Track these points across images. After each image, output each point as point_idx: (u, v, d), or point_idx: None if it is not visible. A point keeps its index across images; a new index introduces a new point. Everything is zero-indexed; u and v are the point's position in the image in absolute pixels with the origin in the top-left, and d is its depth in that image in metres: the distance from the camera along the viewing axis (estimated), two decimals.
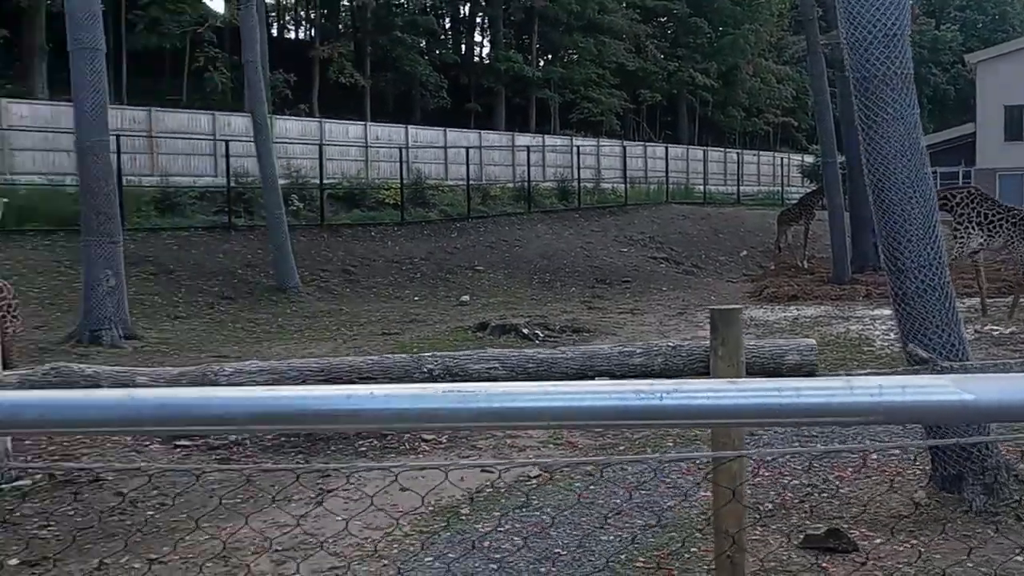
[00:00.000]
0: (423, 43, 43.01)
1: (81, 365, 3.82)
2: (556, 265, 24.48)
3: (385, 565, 5.17)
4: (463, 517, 5.98)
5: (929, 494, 5.89)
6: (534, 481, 6.73)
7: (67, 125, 22.06)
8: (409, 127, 34.40)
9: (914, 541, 5.25)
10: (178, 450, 7.86)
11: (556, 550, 5.32)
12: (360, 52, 39.96)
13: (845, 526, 5.43)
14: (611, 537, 5.52)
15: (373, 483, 6.52)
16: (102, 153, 14.54)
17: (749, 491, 5.22)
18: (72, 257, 17.74)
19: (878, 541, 5.26)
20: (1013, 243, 14.94)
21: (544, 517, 5.89)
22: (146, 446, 7.92)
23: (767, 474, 6.69)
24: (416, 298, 20.68)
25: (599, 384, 1.39)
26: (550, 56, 49.33)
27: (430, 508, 6.10)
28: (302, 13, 50.44)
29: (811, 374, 3.92)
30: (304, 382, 3.46)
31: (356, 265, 22.32)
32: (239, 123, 27.73)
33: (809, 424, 5.95)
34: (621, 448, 7.72)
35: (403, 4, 42.50)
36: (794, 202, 28.79)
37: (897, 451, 6.96)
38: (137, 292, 17.18)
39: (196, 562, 5.23)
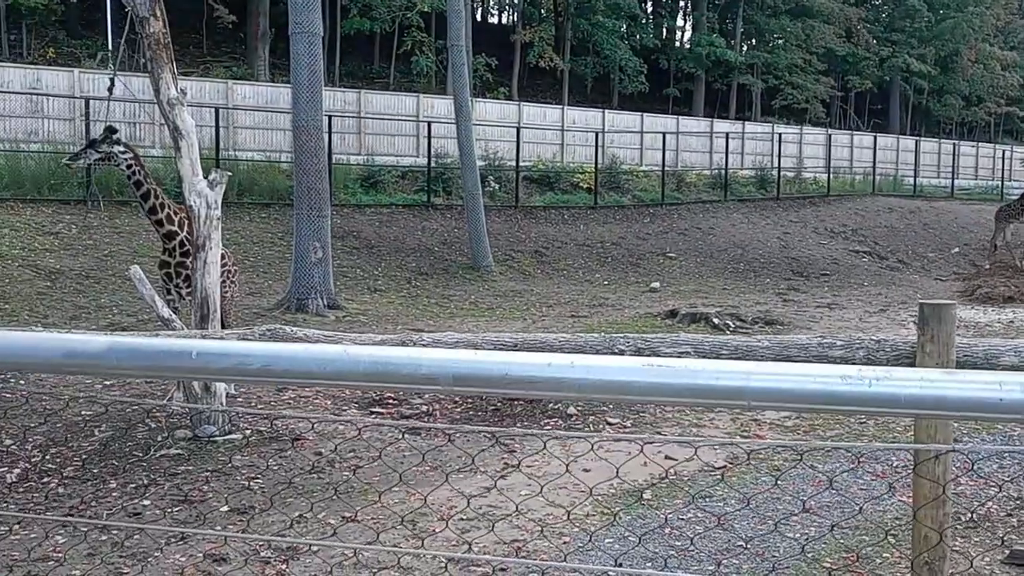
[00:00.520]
0: (624, 27, 42.74)
1: (293, 328, 4.06)
2: (750, 255, 23.87)
3: (566, 542, 5.24)
4: (645, 501, 5.96)
5: None
6: (719, 472, 6.61)
7: (284, 105, 23.41)
8: (606, 111, 34.34)
9: None
10: (373, 416, 8.22)
11: (738, 543, 5.22)
12: (560, 36, 40.20)
13: None
14: (797, 534, 5.36)
15: (556, 462, 6.60)
16: (316, 132, 15.31)
17: (952, 499, 4.93)
18: (284, 229, 18.84)
19: None
20: None
21: (728, 508, 5.79)
22: (344, 410, 8.34)
23: (970, 483, 6.30)
24: (606, 282, 20.69)
25: (804, 367, 1.36)
26: (754, 41, 47.97)
27: (613, 490, 6.12)
28: None
29: None
30: None
31: (548, 247, 22.55)
32: (441, 105, 28.53)
33: None
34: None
35: None
36: (1015, 197, 26.79)
37: None
38: (340, 264, 18.05)
39: (385, 524, 5.47)
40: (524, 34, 38.39)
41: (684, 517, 5.66)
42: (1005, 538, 5.24)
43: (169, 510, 5.72)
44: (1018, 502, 5.91)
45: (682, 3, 49.62)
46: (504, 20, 51.50)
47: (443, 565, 4.92)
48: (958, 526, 5.38)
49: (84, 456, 6.72)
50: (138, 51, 19.32)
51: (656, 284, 20.39)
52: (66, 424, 7.44)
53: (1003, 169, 42.72)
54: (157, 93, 7.32)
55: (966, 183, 42.00)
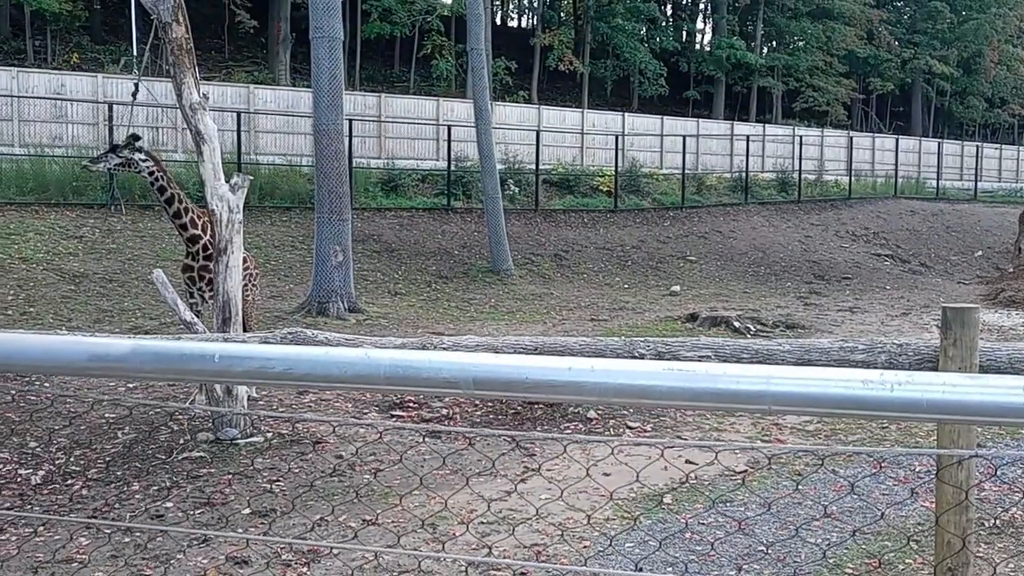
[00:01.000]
0: (643, 30, 42.70)
1: (314, 331, 4.08)
2: (771, 258, 23.77)
3: (586, 546, 5.23)
4: (666, 505, 5.94)
5: None
6: (739, 476, 6.59)
7: (305, 109, 23.54)
8: (626, 114, 34.30)
9: None
10: (393, 419, 8.25)
11: (759, 548, 5.20)
12: (580, 39, 40.21)
13: None
14: (818, 540, 5.33)
15: (576, 465, 6.60)
16: (336, 136, 15.38)
17: (975, 505, 4.89)
18: (305, 233, 18.93)
19: None
20: None
21: (749, 513, 5.76)
22: (364, 413, 8.36)
23: (994, 488, 6.24)
24: (626, 286, 20.66)
25: (825, 371, 1.35)
26: (774, 43, 47.80)
27: (633, 494, 6.10)
28: (525, 1, 51.31)
29: None
30: None
31: (567, 250, 22.54)
32: (461, 109, 28.59)
33: None
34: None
35: None
36: None
37: None
38: (361, 268, 18.11)
39: (405, 527, 5.48)
40: (543, 38, 38.43)
41: (705, 522, 5.64)
42: None
43: (191, 512, 5.76)
44: None
45: (702, 6, 49.53)
46: (524, 24, 51.61)
47: (463, 569, 4.93)
48: (981, 532, 5.33)
49: (107, 458, 6.78)
50: (161, 56, 19.49)
51: (676, 288, 20.34)
52: (90, 426, 7.50)
53: None
54: (179, 98, 7.38)
55: (989, 185, 41.65)
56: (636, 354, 3.28)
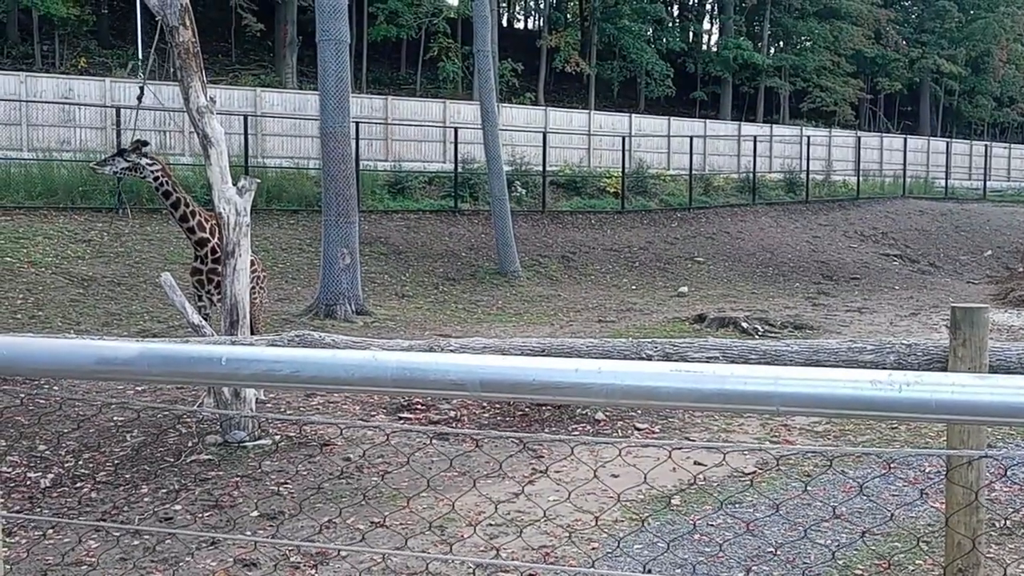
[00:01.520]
0: (650, 31, 42.68)
1: (321, 334, 4.09)
2: (779, 259, 23.72)
3: (594, 548, 5.22)
4: (674, 507, 5.93)
5: None
6: (748, 478, 6.57)
7: (312, 112, 23.57)
8: (632, 115, 34.29)
9: None
10: (401, 421, 8.25)
11: (768, 549, 5.19)
12: (586, 40, 40.20)
13: None
14: (827, 541, 5.31)
15: (584, 467, 6.59)
16: (343, 139, 15.40)
17: (985, 506, 4.87)
18: (312, 235, 18.96)
19: None
20: None
21: (758, 514, 5.75)
22: (372, 416, 8.37)
23: (1004, 489, 6.21)
24: (633, 287, 20.64)
25: (833, 371, 1.35)
26: (781, 43, 47.72)
27: (641, 496, 6.09)
28: (531, 3, 51.33)
29: None
30: None
31: (575, 252, 22.53)
32: (468, 111, 28.61)
33: None
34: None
35: None
36: None
37: None
38: (368, 270, 18.13)
39: (413, 530, 5.48)
40: (550, 39, 38.43)
41: (713, 523, 5.63)
42: None
43: (200, 515, 5.76)
44: None
45: (708, 7, 49.48)
46: (530, 25, 51.61)
47: (471, 571, 4.92)
48: (992, 533, 5.31)
49: (116, 461, 6.79)
50: (168, 60, 19.53)
51: (684, 289, 20.32)
52: (99, 430, 7.52)
53: None
54: (187, 101, 7.39)
55: (998, 185, 41.50)
56: (643, 355, 3.27)
